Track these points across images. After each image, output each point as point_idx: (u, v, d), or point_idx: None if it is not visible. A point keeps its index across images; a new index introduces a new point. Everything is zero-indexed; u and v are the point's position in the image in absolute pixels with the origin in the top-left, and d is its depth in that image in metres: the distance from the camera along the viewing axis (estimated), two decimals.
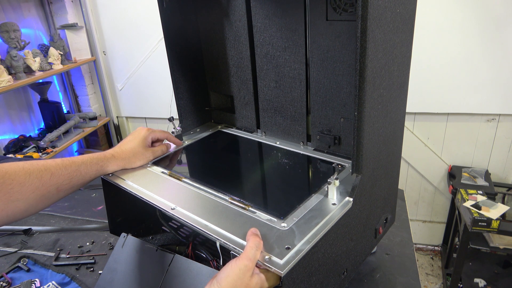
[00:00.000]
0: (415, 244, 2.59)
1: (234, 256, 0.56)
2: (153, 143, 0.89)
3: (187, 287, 0.66)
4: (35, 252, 0.98)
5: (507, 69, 1.97)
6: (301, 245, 0.55)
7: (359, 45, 0.57)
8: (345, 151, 0.84)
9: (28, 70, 2.09)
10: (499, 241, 1.89)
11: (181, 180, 0.77)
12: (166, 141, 0.93)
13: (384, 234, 0.84)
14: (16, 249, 0.99)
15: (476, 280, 2.05)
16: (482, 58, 1.98)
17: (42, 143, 2.18)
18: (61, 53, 2.28)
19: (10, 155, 2.03)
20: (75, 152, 2.78)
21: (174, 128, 0.96)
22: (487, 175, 2.15)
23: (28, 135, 2.29)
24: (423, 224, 2.54)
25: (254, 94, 0.96)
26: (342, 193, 0.67)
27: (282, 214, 0.63)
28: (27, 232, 1.06)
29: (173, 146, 0.94)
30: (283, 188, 0.78)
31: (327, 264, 0.61)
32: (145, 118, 2.75)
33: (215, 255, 0.73)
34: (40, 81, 2.29)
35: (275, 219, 0.62)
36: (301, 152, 0.88)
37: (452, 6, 1.92)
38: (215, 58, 1.00)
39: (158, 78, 2.52)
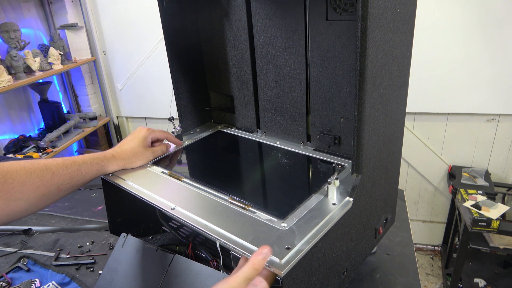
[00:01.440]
0: (415, 244, 2.59)
1: (234, 256, 0.56)
2: (153, 143, 0.89)
3: (187, 287, 0.66)
4: (35, 252, 0.98)
5: (507, 69, 1.97)
6: (301, 245, 0.55)
7: (359, 45, 0.57)
8: (345, 151, 0.84)
9: (28, 70, 2.09)
10: (499, 241, 1.89)
11: (181, 180, 0.77)
12: (166, 141, 0.93)
13: (384, 234, 0.84)
14: (16, 249, 0.99)
15: (476, 280, 2.06)
16: (482, 58, 1.98)
17: (42, 143, 2.18)
18: (61, 53, 2.28)
19: (10, 155, 2.03)
20: (75, 152, 2.78)
21: (174, 128, 0.96)
22: (487, 175, 2.15)
23: (28, 135, 2.29)
24: (423, 224, 2.54)
25: (254, 94, 0.96)
26: (342, 193, 0.67)
27: (282, 214, 0.63)
28: (27, 232, 1.06)
29: (173, 146, 0.94)
30: (283, 188, 0.78)
31: (327, 264, 0.61)
32: (145, 118, 2.75)
33: (215, 255, 0.73)
34: (40, 81, 2.29)
35: (275, 219, 0.62)
36: (301, 152, 0.88)
37: (453, 6, 1.92)
38: (215, 58, 1.00)
39: (158, 78, 2.52)
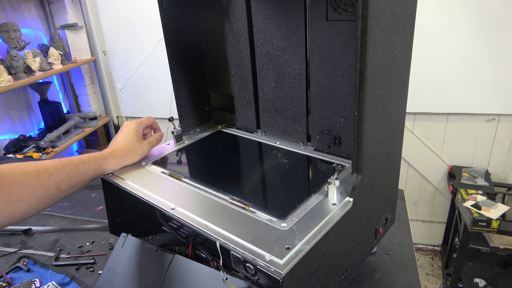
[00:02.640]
0: (415, 244, 2.59)
1: (234, 256, 0.56)
2: (144, 134, 0.89)
3: (187, 287, 0.66)
4: (35, 252, 0.98)
5: (507, 69, 1.98)
6: (301, 245, 0.55)
7: (359, 45, 0.57)
8: (345, 151, 0.84)
9: (28, 70, 2.10)
10: (499, 241, 1.89)
11: (181, 180, 0.77)
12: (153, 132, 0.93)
13: (384, 234, 0.84)
14: (16, 249, 0.99)
15: (476, 280, 2.06)
16: (482, 58, 1.98)
17: (42, 143, 2.18)
18: (61, 53, 2.28)
19: (10, 155, 2.03)
20: (75, 152, 2.78)
21: (174, 128, 0.96)
22: (487, 175, 2.15)
23: (28, 135, 2.29)
24: (423, 224, 2.54)
25: (254, 94, 0.96)
26: (342, 193, 0.67)
27: (282, 214, 0.63)
28: (27, 232, 1.06)
29: (172, 144, 0.94)
30: (283, 188, 0.78)
31: (327, 264, 0.61)
32: None
33: (215, 255, 0.73)
34: (40, 81, 2.29)
35: (275, 219, 0.62)
36: (301, 152, 0.88)
37: (453, 6, 1.93)
38: (215, 58, 1.00)
39: (158, 78, 2.52)
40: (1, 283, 0.86)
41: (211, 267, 0.69)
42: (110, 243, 0.99)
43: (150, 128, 0.91)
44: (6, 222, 0.63)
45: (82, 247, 0.99)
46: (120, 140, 0.83)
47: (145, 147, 0.84)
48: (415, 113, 2.23)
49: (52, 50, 2.20)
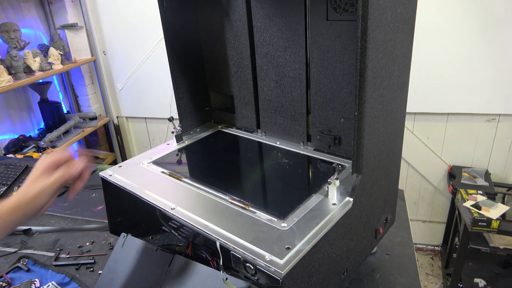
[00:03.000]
0: (415, 244, 2.59)
1: (234, 256, 0.56)
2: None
3: (187, 287, 0.66)
4: (35, 252, 0.98)
5: (507, 69, 1.97)
6: (301, 245, 0.55)
7: (360, 45, 0.57)
8: (345, 151, 0.84)
9: (28, 70, 2.09)
10: (499, 241, 1.89)
11: (181, 180, 0.77)
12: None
13: (384, 234, 0.84)
14: (16, 249, 0.99)
15: (476, 280, 2.05)
16: (482, 58, 1.98)
17: (42, 143, 2.18)
18: (61, 53, 2.28)
19: (10, 155, 2.03)
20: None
21: (174, 128, 0.96)
22: (487, 175, 2.15)
23: (28, 135, 2.29)
24: (423, 224, 2.54)
25: (254, 94, 0.96)
26: (342, 193, 0.67)
27: (282, 214, 0.63)
28: (27, 232, 1.06)
29: (172, 144, 0.94)
30: (283, 188, 0.77)
31: (327, 264, 0.61)
32: (145, 118, 2.75)
33: (215, 255, 0.73)
34: (40, 81, 2.29)
35: (275, 219, 0.62)
36: (301, 152, 0.88)
37: (453, 6, 1.92)
38: (215, 58, 1.00)
39: (158, 78, 2.51)
40: (1, 283, 0.86)
41: (211, 267, 0.69)
42: (110, 243, 0.99)
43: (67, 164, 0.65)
44: None
45: (82, 247, 0.99)
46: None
47: (39, 186, 0.60)
48: (415, 113, 2.23)
49: (52, 50, 2.20)
